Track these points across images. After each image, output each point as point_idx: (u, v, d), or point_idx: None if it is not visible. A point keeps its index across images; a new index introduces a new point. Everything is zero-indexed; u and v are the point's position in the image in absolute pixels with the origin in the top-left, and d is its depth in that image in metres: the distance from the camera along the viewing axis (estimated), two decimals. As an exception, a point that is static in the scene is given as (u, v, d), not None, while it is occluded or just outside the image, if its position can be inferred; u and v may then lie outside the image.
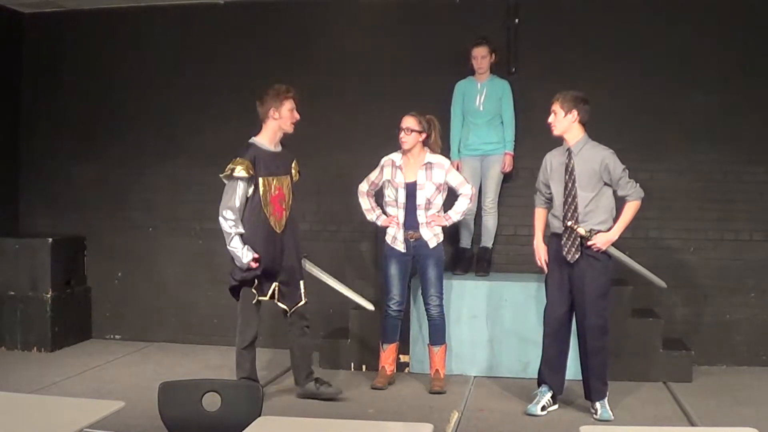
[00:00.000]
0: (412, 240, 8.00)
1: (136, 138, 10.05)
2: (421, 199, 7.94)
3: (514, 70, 9.23)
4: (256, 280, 7.33)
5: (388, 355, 8.20)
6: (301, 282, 7.63)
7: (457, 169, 8.55)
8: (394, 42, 9.54)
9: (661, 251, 9.10)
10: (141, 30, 10.02)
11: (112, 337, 10.13)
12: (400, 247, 8.04)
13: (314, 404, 7.56)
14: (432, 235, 8.00)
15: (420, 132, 7.92)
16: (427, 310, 8.12)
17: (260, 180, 7.26)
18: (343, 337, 8.84)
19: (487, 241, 9.12)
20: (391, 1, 9.49)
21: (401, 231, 8.02)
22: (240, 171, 7.16)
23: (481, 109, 8.91)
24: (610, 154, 7.09)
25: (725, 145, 8.99)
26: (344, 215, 9.49)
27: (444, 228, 8.12)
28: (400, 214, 8.02)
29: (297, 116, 7.47)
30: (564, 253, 7.12)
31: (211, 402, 4.54)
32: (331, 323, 9.36)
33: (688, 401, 7.57)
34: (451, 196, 8.10)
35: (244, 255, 7.19)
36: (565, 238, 7.13)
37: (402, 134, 7.92)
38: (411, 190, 7.97)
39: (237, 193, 7.21)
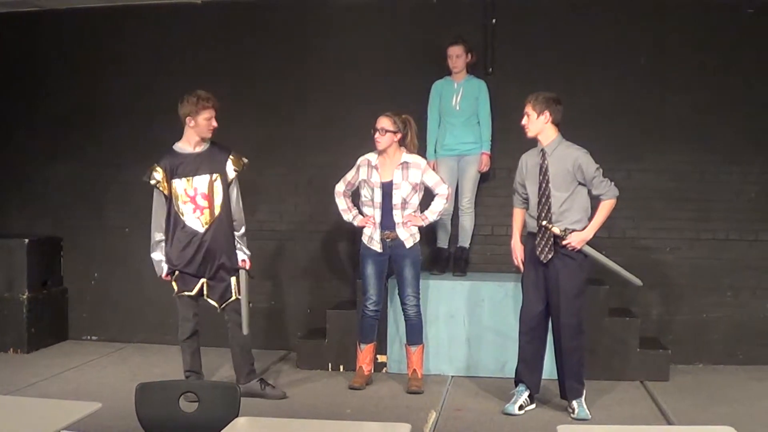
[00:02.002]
0: (388, 240, 7.99)
1: (112, 138, 10.01)
2: (397, 199, 7.94)
3: (491, 70, 9.25)
4: (177, 273, 7.48)
5: (365, 355, 8.20)
6: (233, 279, 7.55)
7: (434, 169, 8.56)
8: (372, 42, 9.53)
9: (638, 251, 9.13)
10: (117, 30, 9.96)
11: (88, 338, 10.10)
12: (377, 247, 8.04)
13: (291, 404, 7.57)
14: (408, 235, 8.00)
15: (395, 132, 7.92)
16: (404, 310, 8.12)
17: (175, 182, 7.38)
18: (321, 337, 8.82)
19: (464, 240, 9.13)
20: (368, 1, 9.48)
21: (378, 231, 8.02)
22: (149, 176, 7.43)
23: (458, 108, 8.91)
24: (583, 154, 7.13)
25: (702, 145, 9.03)
26: (321, 215, 9.48)
27: (421, 228, 8.12)
28: (376, 214, 8.02)
29: (214, 125, 7.46)
30: (537, 252, 7.15)
31: (189, 403, 4.54)
32: (308, 323, 9.37)
33: (664, 400, 7.60)
34: (428, 196, 8.10)
35: (157, 269, 7.52)
36: (539, 238, 7.16)
37: (377, 135, 7.91)
38: (387, 189, 7.96)
39: (155, 197, 7.48)
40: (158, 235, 7.46)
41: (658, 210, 9.13)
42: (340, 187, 8.24)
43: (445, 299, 8.63)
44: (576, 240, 7.09)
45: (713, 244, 9.09)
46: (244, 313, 7.60)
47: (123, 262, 10.06)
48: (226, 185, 7.50)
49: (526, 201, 7.39)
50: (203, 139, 7.48)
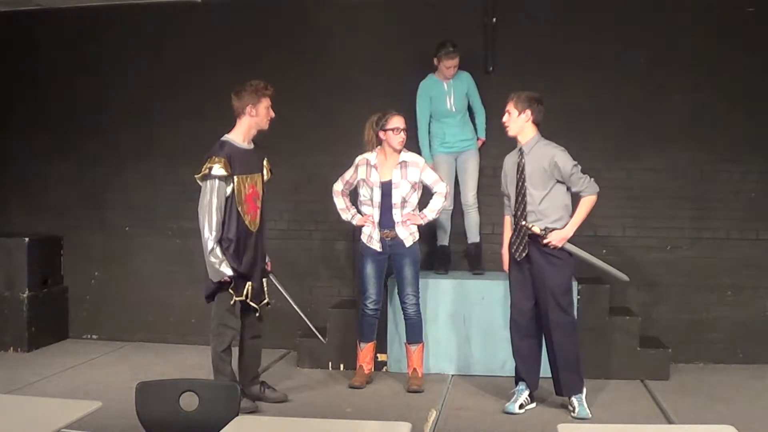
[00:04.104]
0: (387, 239, 8.00)
1: (112, 137, 10.02)
2: (396, 198, 7.95)
3: (491, 68, 9.24)
4: (233, 281, 7.15)
5: (365, 354, 8.20)
6: (264, 280, 7.50)
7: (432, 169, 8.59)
8: (371, 41, 9.53)
9: (638, 249, 9.13)
10: (118, 28, 9.97)
11: (89, 336, 10.09)
12: (376, 246, 8.04)
13: (292, 404, 7.56)
14: (408, 234, 8.00)
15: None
16: (403, 308, 8.12)
17: (236, 178, 7.09)
18: (321, 336, 8.81)
19: (474, 236, 9.09)
20: (368, 1, 9.47)
21: (377, 230, 8.02)
22: (218, 169, 6.98)
23: (453, 110, 8.91)
24: (560, 152, 7.14)
25: (702, 144, 9.03)
26: (321, 214, 9.48)
27: (420, 227, 8.13)
28: (375, 213, 8.02)
29: (272, 114, 7.35)
30: (513, 250, 7.18)
31: (189, 402, 4.53)
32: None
33: (665, 399, 7.60)
34: (427, 195, 8.10)
35: (220, 272, 7.05)
36: (513, 236, 7.18)
37: (402, 134, 7.93)
38: (386, 189, 7.97)
39: (216, 193, 7.01)
40: (217, 234, 7.05)
41: (658, 209, 9.13)
42: (338, 186, 8.24)
43: (445, 298, 8.63)
44: (556, 238, 7.10)
45: (713, 243, 9.08)
46: (305, 318, 7.88)
47: (123, 261, 10.07)
48: (263, 187, 7.43)
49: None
50: (257, 133, 7.35)
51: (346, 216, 8.25)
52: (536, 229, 7.08)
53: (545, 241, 7.09)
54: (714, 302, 9.07)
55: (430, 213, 8.07)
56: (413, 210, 8.03)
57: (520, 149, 7.22)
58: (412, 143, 8.50)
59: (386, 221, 8.01)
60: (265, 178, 7.48)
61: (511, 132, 7.25)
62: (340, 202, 8.25)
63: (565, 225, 7.16)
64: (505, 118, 7.23)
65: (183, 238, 9.83)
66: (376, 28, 9.53)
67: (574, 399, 7.21)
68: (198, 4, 9.77)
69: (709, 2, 8.96)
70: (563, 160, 7.10)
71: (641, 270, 8.93)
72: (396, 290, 8.29)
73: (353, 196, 8.28)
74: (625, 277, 7.72)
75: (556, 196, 7.17)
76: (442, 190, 8.04)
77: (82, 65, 10.07)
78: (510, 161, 7.34)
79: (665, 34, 9.03)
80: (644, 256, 9.13)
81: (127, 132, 10.01)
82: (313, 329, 8.11)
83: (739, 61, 8.94)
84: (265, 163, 7.47)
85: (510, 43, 9.18)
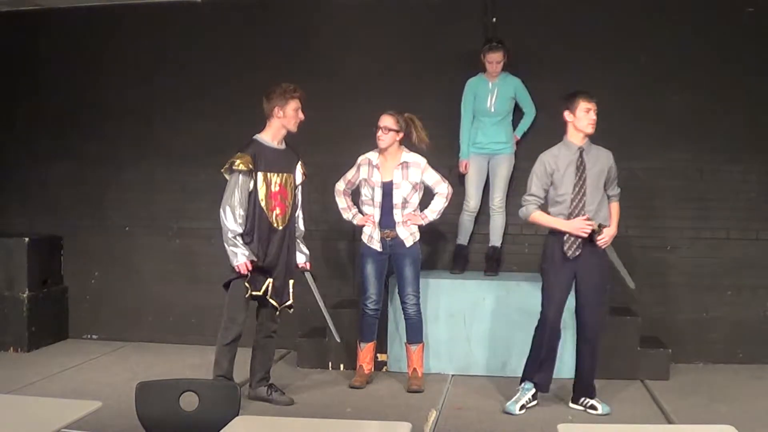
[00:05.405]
0: (388, 239, 8.00)
1: (112, 137, 10.00)
2: (397, 198, 7.95)
3: (491, 68, 9.25)
4: (250, 274, 7.22)
5: (365, 353, 8.20)
6: (291, 281, 7.55)
7: (465, 168, 8.67)
8: (372, 41, 9.52)
9: (639, 249, 9.12)
10: (117, 29, 9.96)
11: (89, 336, 10.08)
12: (377, 246, 8.04)
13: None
14: (408, 234, 8.00)
15: (397, 131, 7.92)
16: (404, 308, 8.12)
17: (260, 175, 7.23)
18: (321, 336, 8.82)
19: (496, 240, 9.07)
20: (368, 0, 9.47)
21: (377, 230, 8.02)
22: (239, 165, 7.14)
23: (493, 110, 8.89)
24: (611, 155, 7.31)
25: (701, 143, 9.03)
26: (322, 214, 9.46)
27: (421, 227, 8.12)
28: (376, 213, 8.02)
29: (302, 117, 7.44)
30: (565, 249, 7.13)
31: (189, 402, 4.53)
32: (308, 322, 9.35)
33: (665, 399, 7.60)
34: (428, 195, 8.11)
35: (238, 257, 7.14)
36: (567, 235, 7.14)
37: (379, 133, 7.91)
38: (387, 189, 7.97)
39: (238, 187, 7.18)
40: (238, 228, 7.18)
41: (658, 209, 9.13)
42: (340, 186, 8.25)
43: (446, 298, 8.63)
44: (609, 235, 7.21)
45: (713, 243, 9.09)
46: (327, 318, 7.97)
47: (123, 260, 10.06)
48: (294, 188, 7.52)
49: (542, 206, 7.39)
50: (286, 135, 7.47)
51: (347, 215, 8.26)
52: (595, 226, 7.13)
53: (599, 238, 7.13)
54: (714, 302, 9.07)
55: (431, 213, 8.07)
56: (414, 210, 8.03)
57: (580, 149, 7.23)
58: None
59: (387, 221, 8.02)
60: (298, 180, 7.57)
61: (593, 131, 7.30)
62: (342, 202, 8.26)
63: (609, 225, 7.27)
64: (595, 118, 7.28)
65: (183, 238, 9.84)
66: (376, 28, 9.53)
67: (594, 399, 7.29)
68: (198, 4, 9.76)
69: (709, 2, 8.96)
70: (614, 162, 7.28)
71: (641, 270, 8.92)
72: (396, 290, 8.30)
73: (355, 195, 8.28)
74: (632, 284, 7.82)
75: (605, 195, 7.29)
76: (443, 191, 8.03)
77: (82, 65, 10.06)
78: (564, 159, 7.24)
79: (665, 34, 9.03)
80: (644, 256, 9.13)
81: (126, 132, 10.00)
82: (334, 332, 8.15)
83: (739, 61, 8.93)
84: (299, 166, 7.57)
85: (510, 43, 9.16)
